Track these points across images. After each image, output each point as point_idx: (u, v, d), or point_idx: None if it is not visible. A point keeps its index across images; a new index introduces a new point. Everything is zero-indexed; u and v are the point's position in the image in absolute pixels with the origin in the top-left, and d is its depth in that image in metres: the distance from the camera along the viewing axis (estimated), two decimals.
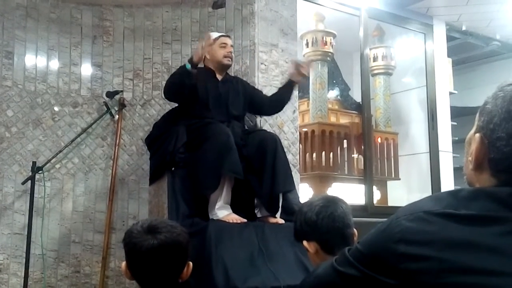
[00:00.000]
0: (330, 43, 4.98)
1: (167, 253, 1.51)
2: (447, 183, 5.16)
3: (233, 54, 3.43)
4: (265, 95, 3.52)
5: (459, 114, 5.75)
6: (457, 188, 0.95)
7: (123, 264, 1.58)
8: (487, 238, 0.84)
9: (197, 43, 3.23)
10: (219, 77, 3.39)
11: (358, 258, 0.98)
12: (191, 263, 1.59)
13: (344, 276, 1.00)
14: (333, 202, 1.82)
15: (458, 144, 5.56)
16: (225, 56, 3.33)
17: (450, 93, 5.51)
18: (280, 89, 3.45)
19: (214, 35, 3.42)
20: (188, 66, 3.07)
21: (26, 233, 3.45)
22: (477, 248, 0.83)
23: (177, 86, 3.16)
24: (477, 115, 0.98)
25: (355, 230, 1.82)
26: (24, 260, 3.42)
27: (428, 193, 5.11)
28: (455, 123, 5.47)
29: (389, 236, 0.91)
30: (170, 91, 3.23)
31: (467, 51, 6.10)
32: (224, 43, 3.36)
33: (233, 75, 3.60)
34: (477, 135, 0.96)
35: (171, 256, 1.52)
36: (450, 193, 0.93)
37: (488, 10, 5.12)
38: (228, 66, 3.42)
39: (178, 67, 3.90)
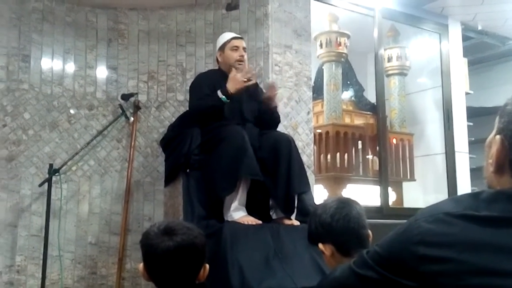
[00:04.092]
0: (344, 44, 4.96)
1: (184, 255, 1.51)
2: (464, 184, 5.11)
3: (246, 56, 3.39)
4: None
5: (475, 114, 5.69)
6: (477, 190, 0.93)
7: (140, 265, 1.59)
8: (509, 240, 0.83)
9: (233, 71, 3.16)
10: None
11: (376, 260, 0.97)
12: (207, 265, 1.60)
13: (362, 279, 1.00)
14: (348, 203, 1.81)
15: (474, 144, 5.51)
16: (237, 60, 3.29)
17: (466, 93, 5.46)
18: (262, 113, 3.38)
19: (227, 36, 3.40)
20: (224, 99, 3.08)
21: (43, 234, 3.49)
22: (498, 250, 0.82)
23: (207, 116, 3.16)
24: (497, 117, 0.97)
25: (369, 231, 1.81)
26: (41, 261, 3.45)
27: (444, 194, 5.07)
28: (471, 124, 5.42)
29: (408, 238, 0.90)
30: (196, 118, 3.22)
31: (483, 51, 6.04)
32: (236, 46, 3.32)
33: None
34: (498, 137, 0.95)
35: (188, 258, 1.53)
36: (470, 195, 0.92)
37: (503, 9, 5.07)
38: (241, 70, 3.39)
39: (192, 69, 3.97)
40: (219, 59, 3.38)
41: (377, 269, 0.96)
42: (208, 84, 3.29)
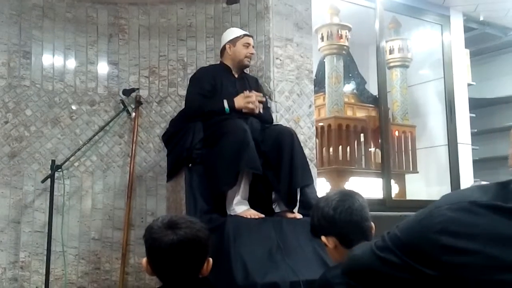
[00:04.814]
0: (346, 36, 4.94)
1: (187, 249, 1.51)
2: (466, 176, 5.10)
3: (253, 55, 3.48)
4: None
5: (478, 105, 5.68)
6: (507, 179, 0.89)
7: (144, 259, 1.59)
8: None
9: (247, 93, 3.24)
10: (235, 74, 3.41)
11: (397, 245, 0.93)
12: (211, 259, 1.59)
13: (384, 262, 0.96)
14: (350, 196, 1.80)
15: (477, 136, 5.51)
16: (246, 56, 3.38)
17: (468, 85, 5.44)
18: None
19: (239, 31, 3.45)
20: (227, 110, 3.16)
21: (46, 230, 3.50)
22: None
23: (207, 116, 3.21)
24: None
25: (372, 223, 1.81)
26: (45, 257, 3.46)
27: (447, 186, 5.06)
28: (473, 115, 5.41)
29: (429, 226, 0.86)
30: (197, 116, 3.24)
31: (485, 42, 6.02)
32: (248, 43, 3.40)
33: (247, 72, 3.60)
34: None
35: (191, 252, 1.53)
36: (498, 184, 0.88)
37: None
38: (247, 66, 3.46)
39: (193, 64, 3.96)
40: (228, 51, 3.41)
41: (398, 253, 0.92)
42: (209, 79, 3.32)
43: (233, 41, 3.40)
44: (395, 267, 0.93)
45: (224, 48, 3.44)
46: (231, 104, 3.18)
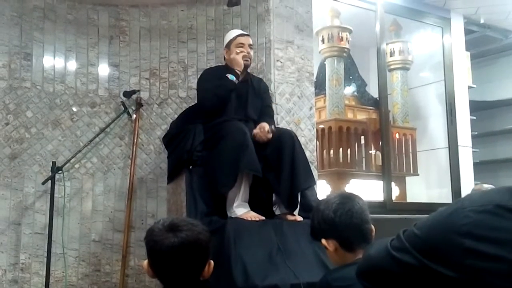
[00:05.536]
0: (346, 38, 4.95)
1: (188, 251, 1.51)
2: (467, 179, 5.10)
3: (252, 53, 3.41)
4: (265, 106, 3.45)
5: (478, 108, 5.69)
6: None
7: (145, 262, 1.59)
8: None
9: (233, 53, 3.30)
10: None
11: (415, 244, 0.90)
12: (212, 262, 1.59)
13: (399, 263, 0.92)
14: (350, 198, 1.80)
15: (477, 138, 5.50)
16: (242, 57, 3.31)
17: (469, 87, 5.44)
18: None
19: (233, 33, 3.41)
20: (233, 77, 3.16)
21: (47, 232, 3.49)
22: None
23: (223, 97, 3.19)
24: None
25: (372, 226, 1.80)
26: (45, 259, 3.46)
27: (448, 189, 5.06)
28: (474, 117, 5.41)
29: (453, 227, 0.83)
30: (214, 103, 3.21)
31: (486, 45, 6.02)
32: (241, 43, 3.34)
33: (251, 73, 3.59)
34: None
35: (192, 254, 1.52)
36: None
37: (506, 2, 5.05)
38: (247, 67, 3.39)
39: (194, 66, 3.96)
40: (226, 57, 3.39)
41: (414, 254, 0.88)
42: (216, 79, 3.28)
43: (228, 45, 3.38)
44: (411, 268, 0.90)
45: (224, 54, 3.43)
46: (234, 74, 3.21)
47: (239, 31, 3.45)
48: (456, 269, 0.81)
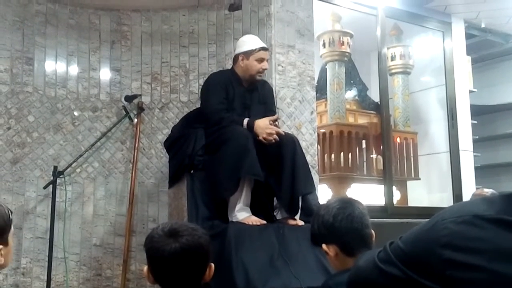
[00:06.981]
0: (347, 43, 4.95)
1: (189, 256, 1.51)
2: (468, 183, 5.09)
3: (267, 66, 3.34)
4: (268, 111, 3.40)
5: (479, 112, 5.68)
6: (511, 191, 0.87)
7: (145, 268, 1.58)
8: None
9: (268, 121, 3.14)
10: (245, 84, 3.32)
11: (400, 257, 0.91)
12: (213, 265, 1.59)
13: (386, 275, 0.94)
14: (350, 203, 1.80)
15: (478, 143, 5.50)
16: (258, 72, 3.26)
17: (470, 91, 5.44)
18: None
19: (255, 44, 3.29)
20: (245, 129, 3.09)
21: (48, 237, 3.50)
22: None
23: (226, 125, 3.14)
24: None
25: (372, 231, 1.80)
26: (46, 263, 3.46)
27: (449, 193, 5.06)
28: (475, 122, 5.40)
29: (434, 239, 0.84)
30: (218, 123, 3.17)
31: (487, 49, 6.02)
32: (262, 58, 3.25)
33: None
34: None
35: (194, 259, 1.52)
36: (504, 196, 0.85)
37: (507, 6, 5.05)
38: (258, 82, 3.34)
39: (195, 70, 3.97)
40: (241, 63, 3.27)
41: (400, 266, 0.90)
42: (223, 87, 3.25)
43: (247, 54, 3.25)
44: (396, 280, 0.91)
45: (237, 57, 3.31)
46: (251, 124, 3.09)
47: (262, 44, 3.33)
48: (437, 280, 0.82)
